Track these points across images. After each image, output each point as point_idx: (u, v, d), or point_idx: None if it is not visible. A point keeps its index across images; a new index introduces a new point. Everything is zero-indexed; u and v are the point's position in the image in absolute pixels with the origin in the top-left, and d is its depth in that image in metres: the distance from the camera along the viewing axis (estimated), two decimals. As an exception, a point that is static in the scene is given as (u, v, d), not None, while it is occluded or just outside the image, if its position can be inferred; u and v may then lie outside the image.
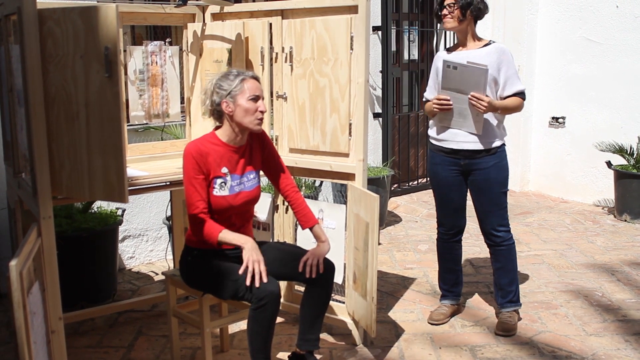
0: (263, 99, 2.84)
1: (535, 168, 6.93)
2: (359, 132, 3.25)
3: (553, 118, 6.68)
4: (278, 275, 2.89)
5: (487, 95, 3.24)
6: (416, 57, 7.04)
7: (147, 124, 4.05)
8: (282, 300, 3.33)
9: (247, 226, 3.00)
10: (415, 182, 7.06)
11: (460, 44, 3.45)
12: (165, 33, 5.31)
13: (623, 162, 6.01)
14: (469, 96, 3.23)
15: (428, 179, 7.25)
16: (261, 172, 3.07)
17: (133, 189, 2.99)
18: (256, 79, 2.83)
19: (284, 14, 3.46)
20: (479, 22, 3.44)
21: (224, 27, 3.60)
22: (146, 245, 4.83)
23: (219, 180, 2.81)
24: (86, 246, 3.85)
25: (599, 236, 5.41)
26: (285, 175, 3.09)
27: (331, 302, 3.47)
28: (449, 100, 3.31)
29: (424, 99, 3.62)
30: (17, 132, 2.78)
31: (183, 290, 3.13)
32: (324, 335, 3.46)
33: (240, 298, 2.72)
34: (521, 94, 3.38)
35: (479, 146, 3.38)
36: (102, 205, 4.25)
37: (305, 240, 3.38)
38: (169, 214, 4.31)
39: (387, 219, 5.89)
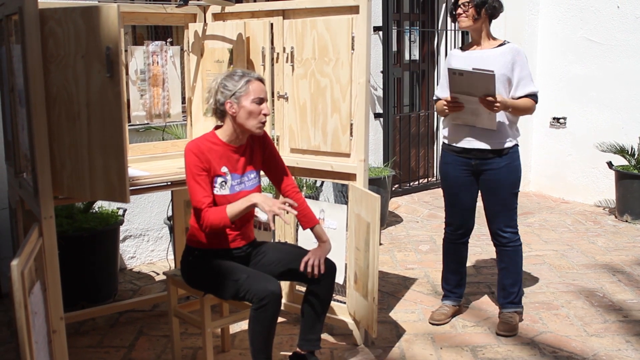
0: (267, 101, 2.84)
1: (536, 168, 6.93)
2: (360, 133, 3.25)
3: (554, 118, 6.68)
4: (279, 275, 2.89)
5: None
6: (417, 57, 7.04)
7: (148, 124, 4.05)
8: (283, 300, 3.34)
9: (248, 226, 3.00)
10: (416, 183, 7.06)
11: (475, 43, 3.44)
12: (167, 33, 5.31)
13: (624, 162, 6.01)
14: (480, 98, 3.20)
15: (429, 179, 7.27)
16: (261, 172, 3.07)
17: (134, 189, 2.99)
18: (261, 80, 2.83)
19: (285, 14, 3.46)
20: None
21: (225, 27, 3.61)
22: (147, 245, 4.83)
23: (219, 180, 2.81)
24: (87, 246, 3.85)
25: (600, 237, 5.40)
26: (286, 175, 3.09)
27: (332, 302, 3.47)
28: (458, 99, 3.29)
29: (434, 97, 3.60)
30: (19, 132, 2.78)
31: (184, 290, 3.13)
32: (325, 336, 3.46)
33: (241, 298, 2.72)
34: (533, 96, 3.36)
35: (491, 146, 3.37)
36: (103, 205, 4.25)
37: (306, 240, 3.38)
38: (170, 214, 4.31)
39: (388, 219, 5.89)
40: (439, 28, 7.17)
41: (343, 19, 3.21)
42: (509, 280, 3.56)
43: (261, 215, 3.62)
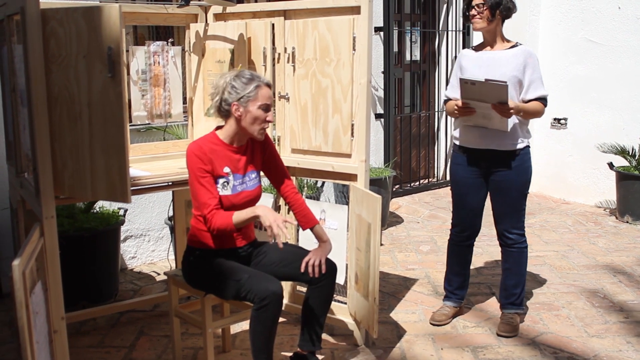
0: (272, 107, 2.85)
1: (537, 169, 6.89)
2: (361, 133, 3.25)
3: (555, 119, 6.68)
4: (280, 276, 2.89)
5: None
6: (418, 57, 7.04)
7: (149, 124, 4.05)
8: (284, 300, 3.34)
9: (249, 226, 3.01)
10: (417, 183, 7.05)
11: (487, 44, 3.42)
12: (168, 33, 5.31)
13: (625, 163, 6.01)
14: (493, 105, 3.17)
15: (429, 179, 7.27)
16: (261, 173, 3.07)
17: (135, 189, 2.99)
18: (269, 86, 2.84)
19: (286, 14, 3.46)
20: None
21: (227, 27, 3.61)
22: (148, 245, 4.83)
23: (221, 180, 2.81)
24: (88, 246, 3.85)
25: (601, 237, 5.40)
26: (286, 176, 3.09)
27: (333, 303, 3.47)
28: (469, 105, 3.27)
29: (444, 97, 3.59)
30: (20, 131, 2.78)
31: (185, 290, 3.13)
32: (325, 336, 3.45)
33: (243, 298, 2.72)
34: (543, 100, 3.35)
35: (502, 147, 3.36)
36: (104, 205, 4.25)
37: (307, 240, 3.38)
38: (170, 214, 4.31)
39: (389, 219, 5.89)
40: (440, 29, 7.17)
41: (344, 19, 3.21)
42: (512, 281, 3.56)
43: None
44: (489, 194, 3.52)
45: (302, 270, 2.87)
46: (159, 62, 3.69)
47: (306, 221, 3.04)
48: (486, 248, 5.02)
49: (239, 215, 2.74)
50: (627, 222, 5.82)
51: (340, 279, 3.38)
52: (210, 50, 3.70)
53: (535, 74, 3.33)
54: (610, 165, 5.96)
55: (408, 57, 6.92)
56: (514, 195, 3.43)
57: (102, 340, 3.51)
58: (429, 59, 7.20)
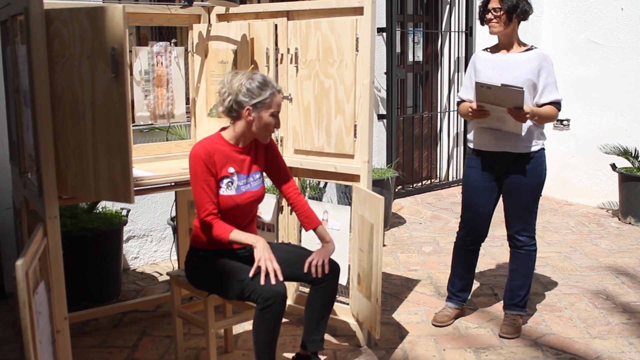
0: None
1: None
2: (364, 134, 3.25)
3: (557, 120, 6.65)
4: (283, 276, 2.89)
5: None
6: (421, 58, 7.04)
7: (152, 124, 4.06)
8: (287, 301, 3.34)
9: (252, 226, 3.01)
10: (420, 184, 7.05)
11: (502, 46, 3.40)
12: (171, 34, 5.32)
13: (627, 164, 6.00)
14: (509, 109, 3.15)
15: (432, 180, 7.27)
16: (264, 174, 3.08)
17: (138, 189, 2.99)
18: (281, 93, 2.85)
19: (289, 15, 3.46)
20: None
21: (230, 28, 3.61)
22: (150, 246, 4.84)
23: (225, 180, 2.82)
24: (91, 246, 3.85)
25: (604, 239, 5.40)
26: (288, 177, 3.10)
27: (335, 304, 3.46)
28: (484, 108, 3.25)
29: (457, 99, 3.57)
30: (23, 132, 2.78)
31: (187, 290, 3.13)
32: (328, 337, 3.45)
33: (246, 298, 2.73)
34: (557, 104, 3.33)
35: (516, 149, 3.34)
36: (106, 206, 4.26)
37: (309, 241, 3.38)
38: (173, 214, 4.32)
39: (391, 220, 5.89)
40: (443, 29, 7.17)
41: (347, 20, 3.21)
42: (518, 282, 3.55)
43: (264, 216, 3.63)
44: (501, 195, 3.50)
45: (305, 270, 2.87)
46: (162, 63, 3.70)
47: (309, 222, 3.04)
48: (489, 249, 5.01)
49: (237, 235, 2.76)
50: (630, 223, 5.82)
51: (342, 280, 3.38)
52: (213, 50, 3.70)
53: (550, 78, 3.31)
54: (613, 166, 5.95)
55: (411, 58, 6.92)
56: (527, 198, 3.41)
57: (105, 340, 3.51)
58: (432, 59, 7.19)
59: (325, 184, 5.32)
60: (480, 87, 3.19)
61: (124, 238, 4.48)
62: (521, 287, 3.55)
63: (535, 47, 3.39)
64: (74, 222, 3.87)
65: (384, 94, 6.40)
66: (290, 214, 3.62)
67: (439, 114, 7.29)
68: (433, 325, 3.65)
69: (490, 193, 3.48)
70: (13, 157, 3.21)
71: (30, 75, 2.45)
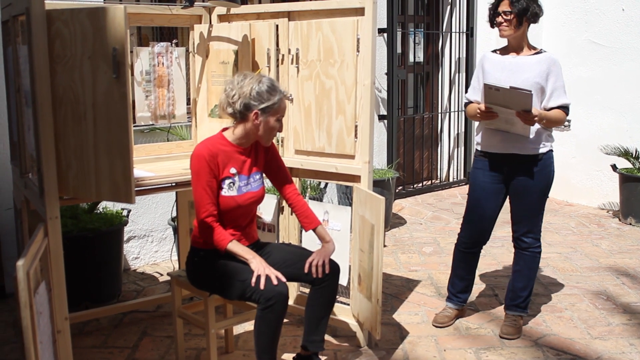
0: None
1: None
2: (365, 134, 3.25)
3: (558, 121, 6.67)
4: (283, 276, 2.90)
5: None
6: (421, 59, 7.04)
7: (153, 125, 4.06)
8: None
9: (252, 226, 3.02)
10: (420, 185, 7.05)
11: (512, 49, 3.38)
12: (172, 34, 5.32)
13: (628, 165, 6.00)
14: (517, 112, 3.14)
15: (432, 181, 7.27)
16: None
17: (139, 190, 2.99)
18: (287, 98, 2.87)
19: (290, 15, 3.46)
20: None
21: (231, 28, 3.61)
22: (151, 246, 4.84)
23: (227, 181, 2.82)
24: (91, 246, 3.85)
25: (604, 239, 5.40)
26: (287, 178, 3.10)
27: (336, 304, 3.46)
28: (492, 109, 3.24)
29: (465, 100, 3.56)
30: (25, 132, 2.79)
31: (188, 291, 3.13)
32: (328, 337, 3.45)
33: (248, 299, 2.73)
34: (565, 108, 3.32)
35: (524, 151, 3.33)
36: (107, 206, 4.26)
37: (310, 242, 3.38)
38: (174, 214, 4.32)
39: (392, 221, 5.89)
40: (444, 30, 7.17)
41: (348, 20, 3.21)
42: (520, 283, 3.54)
43: (265, 217, 3.63)
44: (508, 197, 3.50)
45: (306, 270, 2.88)
46: (163, 63, 3.70)
47: (309, 222, 3.04)
48: (490, 250, 5.01)
49: (234, 247, 2.78)
50: (630, 224, 5.82)
51: (343, 280, 3.38)
52: (214, 51, 3.71)
53: (558, 82, 3.30)
54: (614, 167, 5.95)
55: (411, 59, 6.92)
56: (534, 199, 3.40)
57: (105, 340, 3.51)
58: (433, 60, 7.20)
59: (326, 184, 5.32)
60: (489, 89, 3.18)
61: (125, 238, 4.48)
62: (524, 289, 3.54)
63: (545, 51, 3.38)
64: (74, 223, 3.87)
65: (384, 94, 6.40)
66: (291, 214, 3.62)
67: (439, 115, 7.29)
68: (433, 325, 3.65)
69: (497, 195, 3.48)
70: (14, 158, 3.21)
71: (31, 75, 2.46)
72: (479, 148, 3.50)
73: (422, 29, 7.00)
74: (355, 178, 3.34)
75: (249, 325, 3.59)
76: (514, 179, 3.40)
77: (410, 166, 6.92)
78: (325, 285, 2.91)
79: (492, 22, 3.38)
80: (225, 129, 2.91)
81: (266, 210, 3.62)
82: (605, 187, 6.43)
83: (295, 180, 3.56)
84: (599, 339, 3.50)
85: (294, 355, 3.13)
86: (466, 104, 3.54)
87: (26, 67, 2.54)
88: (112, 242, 4.00)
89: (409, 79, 7.11)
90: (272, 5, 3.59)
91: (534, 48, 3.39)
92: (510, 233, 3.59)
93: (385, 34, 6.31)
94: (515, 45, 3.37)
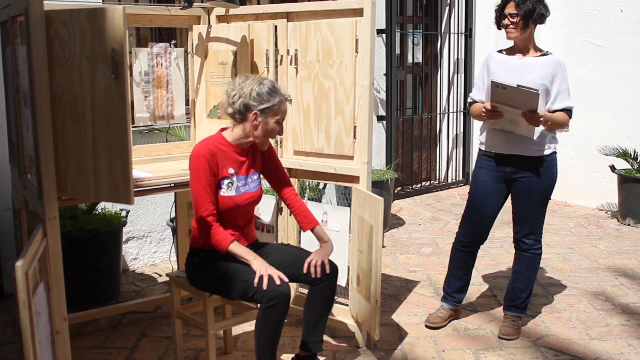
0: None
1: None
2: (364, 135, 3.25)
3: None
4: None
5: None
6: (420, 60, 7.05)
7: (151, 125, 4.06)
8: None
9: (250, 226, 3.02)
10: (419, 185, 7.06)
11: (518, 50, 3.37)
12: (171, 35, 5.32)
13: (627, 166, 6.01)
14: (523, 112, 3.14)
15: (431, 181, 7.28)
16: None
17: (138, 190, 3.00)
18: (288, 100, 2.89)
19: (289, 16, 3.46)
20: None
21: (229, 29, 3.61)
22: (150, 247, 4.84)
23: (226, 181, 2.83)
24: (90, 247, 3.85)
25: (603, 240, 5.40)
26: (285, 179, 3.11)
27: (335, 305, 3.47)
28: (497, 108, 3.23)
29: (469, 99, 3.55)
30: (23, 133, 2.79)
31: (187, 291, 3.13)
32: (327, 338, 3.46)
33: (250, 299, 2.73)
34: (569, 111, 3.32)
35: (527, 153, 3.33)
36: (106, 207, 4.26)
37: (309, 242, 3.38)
38: (173, 215, 4.32)
39: (391, 221, 5.89)
40: (442, 31, 7.18)
41: (347, 21, 3.21)
42: (520, 284, 3.54)
43: (264, 218, 3.63)
44: (510, 198, 3.49)
45: (305, 271, 2.88)
46: (161, 64, 3.70)
47: (307, 222, 3.05)
48: (488, 250, 5.01)
49: (235, 249, 2.78)
50: (629, 224, 5.82)
51: (342, 281, 3.38)
52: (212, 52, 3.71)
53: (563, 85, 3.30)
54: (612, 168, 5.96)
55: (410, 60, 6.93)
56: (536, 201, 3.40)
57: (104, 341, 3.51)
58: (431, 61, 7.20)
59: (325, 185, 5.32)
60: (496, 87, 3.16)
61: (124, 239, 4.48)
62: (523, 290, 3.54)
63: (551, 53, 3.37)
64: (73, 223, 3.87)
65: (383, 95, 6.41)
66: (290, 214, 3.62)
67: (438, 116, 7.30)
68: (426, 326, 3.64)
69: (499, 195, 3.47)
70: (13, 158, 3.21)
71: (30, 76, 2.45)
72: (482, 148, 3.50)
73: (421, 30, 7.00)
74: (354, 179, 3.34)
75: (247, 326, 3.60)
76: (517, 179, 3.40)
77: (409, 167, 6.93)
78: (324, 285, 2.91)
79: (499, 24, 3.37)
80: (223, 129, 2.91)
81: (265, 211, 3.62)
82: (604, 187, 6.43)
83: (294, 181, 3.56)
84: (598, 340, 3.50)
85: (293, 355, 3.14)
86: (470, 104, 3.53)
87: (25, 68, 2.54)
88: (111, 242, 4.00)
89: (408, 80, 7.12)
90: (271, 6, 3.60)
91: (540, 50, 3.39)
92: (509, 234, 3.59)
93: (384, 35, 6.31)
94: (522, 47, 3.37)
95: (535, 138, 3.29)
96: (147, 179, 3.11)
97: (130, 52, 3.57)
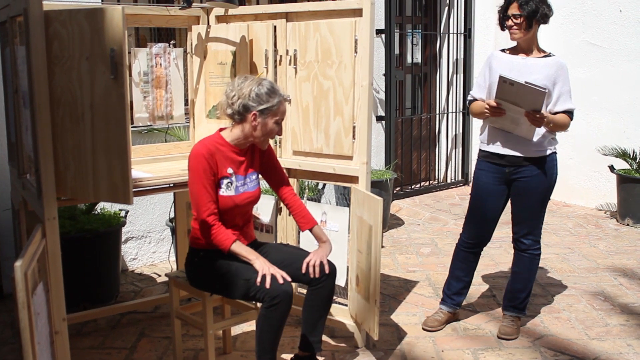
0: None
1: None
2: (363, 135, 3.25)
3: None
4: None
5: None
6: (419, 60, 7.05)
7: (151, 125, 4.05)
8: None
9: (249, 226, 3.03)
10: (418, 185, 7.06)
11: (521, 50, 3.37)
12: (170, 35, 5.32)
13: (626, 166, 6.01)
14: (526, 112, 3.13)
15: (430, 182, 7.28)
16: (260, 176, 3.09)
17: (137, 191, 3.00)
18: (287, 101, 2.89)
19: (288, 16, 3.46)
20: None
21: (229, 29, 3.61)
22: (149, 247, 4.84)
23: (225, 181, 2.83)
24: (89, 247, 3.85)
25: (602, 240, 5.40)
26: (284, 178, 3.11)
27: (334, 305, 3.47)
28: (501, 105, 3.22)
29: (469, 97, 3.54)
30: (22, 133, 2.78)
31: (186, 292, 3.13)
32: (326, 338, 3.46)
33: (252, 298, 2.73)
34: (570, 113, 3.32)
35: (527, 154, 3.33)
36: (105, 207, 4.26)
37: (308, 242, 3.38)
38: (172, 215, 4.32)
39: (390, 222, 5.89)
40: (441, 31, 7.18)
41: (346, 21, 3.22)
42: (519, 285, 3.54)
43: (263, 218, 3.63)
44: (510, 198, 3.49)
45: (304, 271, 2.88)
46: (160, 64, 3.70)
47: (305, 222, 3.05)
48: (488, 251, 5.00)
49: (238, 248, 2.79)
50: (628, 224, 5.83)
51: (341, 281, 3.38)
52: (212, 52, 3.71)
53: (565, 87, 3.30)
54: (611, 168, 5.96)
55: (409, 60, 6.93)
56: (535, 201, 3.40)
57: (103, 341, 3.51)
58: (430, 61, 7.20)
59: (324, 185, 5.32)
60: (503, 83, 3.15)
61: (123, 239, 4.48)
62: (522, 290, 3.54)
63: (553, 55, 3.37)
64: (72, 223, 3.87)
65: (382, 95, 6.41)
66: (289, 215, 3.62)
67: (437, 116, 7.30)
68: (423, 329, 3.63)
69: (500, 196, 3.47)
70: (12, 158, 3.21)
71: (29, 76, 2.45)
72: (482, 147, 3.49)
73: (420, 30, 7.00)
74: (353, 179, 3.34)
75: (247, 326, 3.60)
76: (517, 180, 3.40)
77: (408, 167, 6.93)
78: (322, 285, 2.91)
79: (502, 25, 3.37)
80: (222, 129, 2.91)
81: (264, 211, 3.62)
82: (603, 188, 6.44)
83: (293, 181, 3.57)
84: (597, 340, 3.50)
85: (292, 355, 3.14)
86: (470, 102, 3.52)
87: (24, 68, 2.53)
88: (110, 243, 4.00)
89: (407, 80, 7.12)
90: (270, 6, 3.60)
91: (543, 51, 3.38)
92: (509, 234, 3.59)
93: (383, 35, 6.31)
94: (525, 47, 3.36)
95: (535, 139, 3.29)
96: (146, 179, 3.11)
97: (129, 52, 3.57)
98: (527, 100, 3.11)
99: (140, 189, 3.05)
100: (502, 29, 3.38)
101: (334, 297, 3.03)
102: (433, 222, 5.97)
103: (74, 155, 2.63)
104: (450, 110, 7.26)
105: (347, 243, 3.43)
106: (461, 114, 7.25)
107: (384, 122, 6.44)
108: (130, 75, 3.57)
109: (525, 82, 3.10)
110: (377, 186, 5.41)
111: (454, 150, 7.33)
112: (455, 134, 7.29)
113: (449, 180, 7.33)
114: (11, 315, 3.75)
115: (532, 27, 3.27)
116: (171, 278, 3.15)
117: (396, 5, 6.52)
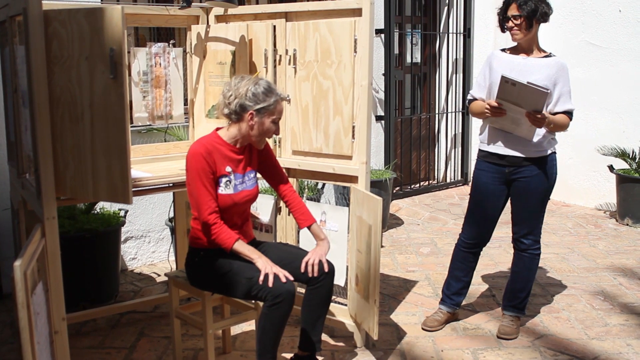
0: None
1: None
2: (362, 135, 3.25)
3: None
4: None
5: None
6: (419, 60, 7.05)
7: (150, 125, 4.05)
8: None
9: (247, 224, 3.03)
10: (417, 185, 7.06)
11: (522, 50, 3.36)
12: (169, 35, 5.32)
13: (625, 166, 6.01)
14: (527, 112, 3.13)
15: (430, 181, 7.28)
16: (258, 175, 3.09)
17: (136, 190, 2.99)
18: (285, 100, 2.90)
19: (288, 16, 3.46)
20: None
21: (228, 29, 3.61)
22: (148, 247, 4.83)
23: (224, 179, 2.83)
24: (89, 247, 3.85)
25: (601, 240, 5.41)
26: (282, 176, 3.11)
27: (333, 304, 3.47)
28: (502, 106, 3.21)
29: (469, 97, 3.53)
30: (22, 132, 2.78)
31: (185, 291, 3.13)
32: (325, 337, 3.46)
33: (254, 296, 2.73)
34: (570, 114, 3.32)
35: (526, 154, 3.33)
36: (104, 206, 4.26)
37: (307, 242, 3.38)
38: (171, 215, 4.32)
39: (389, 221, 5.89)
40: (441, 31, 7.18)
41: (346, 21, 3.21)
42: (518, 284, 3.54)
43: (262, 217, 3.63)
44: (509, 198, 3.49)
45: (302, 270, 2.88)
46: (160, 64, 3.70)
47: (304, 219, 3.05)
48: (487, 250, 4.99)
49: (240, 247, 2.79)
50: (627, 224, 5.83)
51: (340, 281, 3.38)
52: (211, 52, 3.71)
53: (565, 88, 3.29)
54: (611, 167, 5.96)
55: (409, 60, 6.93)
56: (535, 201, 3.40)
57: (103, 341, 3.51)
58: (430, 61, 7.20)
59: (323, 185, 5.32)
60: (505, 83, 3.14)
61: (122, 239, 4.48)
62: (522, 290, 3.54)
63: (554, 55, 3.37)
64: (72, 223, 3.87)
65: (382, 95, 6.41)
66: (289, 214, 3.62)
67: (436, 116, 7.30)
68: (422, 329, 3.64)
69: (500, 196, 3.47)
70: (11, 158, 3.21)
71: (28, 76, 2.46)
72: (482, 147, 3.49)
73: (420, 30, 7.00)
74: (353, 179, 3.34)
75: (246, 326, 3.60)
76: (516, 180, 3.40)
77: (407, 167, 6.93)
78: (321, 285, 2.90)
79: (503, 27, 3.37)
80: (219, 129, 2.92)
81: (263, 210, 3.62)
82: (602, 187, 6.44)
83: (293, 180, 3.57)
84: (596, 340, 3.51)
85: (291, 355, 3.13)
86: (470, 101, 3.51)
87: (23, 68, 2.54)
88: (110, 242, 4.00)
89: (406, 80, 7.12)
90: (270, 6, 3.60)
91: (544, 51, 3.38)
92: (508, 234, 3.59)
93: (382, 35, 6.31)
94: (526, 47, 3.36)
95: (534, 140, 3.29)
96: (146, 178, 3.11)
97: (128, 52, 3.56)
98: (528, 101, 3.11)
99: (140, 188, 3.05)
100: (503, 30, 3.38)
101: (334, 297, 3.03)
102: (432, 222, 5.97)
103: (73, 155, 2.63)
104: (449, 110, 7.26)
105: (346, 243, 3.43)
106: (461, 113, 7.26)
107: (383, 121, 6.44)
108: (129, 74, 3.56)
109: (528, 83, 3.10)
110: (376, 186, 5.41)
111: (453, 150, 7.33)
112: (455, 134, 7.30)
113: (448, 180, 7.33)
114: (11, 315, 3.74)
115: (532, 27, 3.27)
116: (170, 278, 3.15)
117: (396, 5, 6.52)
